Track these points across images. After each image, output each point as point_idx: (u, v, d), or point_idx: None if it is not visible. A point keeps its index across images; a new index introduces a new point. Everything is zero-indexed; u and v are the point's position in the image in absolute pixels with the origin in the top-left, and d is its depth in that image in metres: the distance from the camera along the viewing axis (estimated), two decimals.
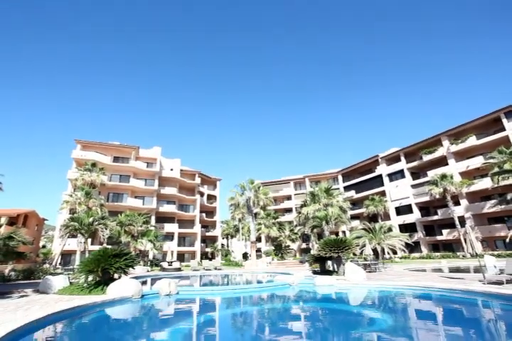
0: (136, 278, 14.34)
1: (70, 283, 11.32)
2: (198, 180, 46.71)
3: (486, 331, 6.41)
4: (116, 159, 39.20)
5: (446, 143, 36.15)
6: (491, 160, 26.55)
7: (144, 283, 14.91)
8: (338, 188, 46.76)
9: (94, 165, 31.36)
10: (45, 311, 7.07)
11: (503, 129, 30.97)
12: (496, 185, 26.05)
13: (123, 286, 10.13)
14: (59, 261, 27.46)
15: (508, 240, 25.07)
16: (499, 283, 9.87)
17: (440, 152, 36.58)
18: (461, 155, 35.24)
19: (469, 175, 34.27)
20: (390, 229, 30.15)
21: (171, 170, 43.26)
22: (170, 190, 41.93)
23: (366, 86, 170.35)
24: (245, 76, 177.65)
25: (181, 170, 44.71)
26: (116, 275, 11.74)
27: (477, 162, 32.43)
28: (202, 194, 48.72)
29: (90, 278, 11.28)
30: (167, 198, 42.27)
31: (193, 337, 6.40)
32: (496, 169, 24.83)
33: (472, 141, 33.51)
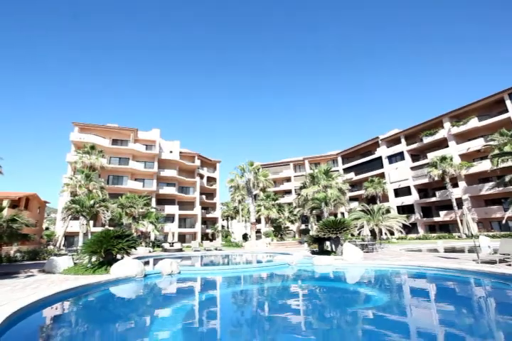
0: (139, 258, 14.71)
1: (75, 263, 11.61)
2: (197, 162, 46.70)
3: (477, 307, 6.67)
4: (115, 142, 38.96)
5: (447, 125, 35.87)
6: (492, 143, 26.44)
7: (147, 263, 15.25)
8: (337, 170, 46.92)
9: (93, 147, 31.24)
10: (53, 289, 7.32)
11: (506, 111, 30.59)
12: (495, 167, 26.10)
13: (126, 266, 10.40)
14: (63, 243, 28.03)
15: (503, 221, 25.52)
16: (492, 262, 10.13)
17: (441, 134, 36.36)
18: (462, 138, 35.06)
19: (469, 158, 34.27)
20: (388, 211, 30.45)
21: (171, 152, 43.14)
22: (170, 173, 42.04)
23: (367, 68, 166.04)
24: (245, 59, 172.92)
25: (181, 153, 44.59)
26: (118, 256, 12.04)
27: (478, 144, 32.33)
28: (202, 176, 48.88)
29: (94, 258, 11.55)
30: (167, 180, 42.48)
31: (195, 314, 6.65)
32: (496, 151, 24.79)
33: (474, 122, 33.14)
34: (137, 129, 39.80)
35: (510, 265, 9.47)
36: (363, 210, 30.88)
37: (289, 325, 5.62)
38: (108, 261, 11.13)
